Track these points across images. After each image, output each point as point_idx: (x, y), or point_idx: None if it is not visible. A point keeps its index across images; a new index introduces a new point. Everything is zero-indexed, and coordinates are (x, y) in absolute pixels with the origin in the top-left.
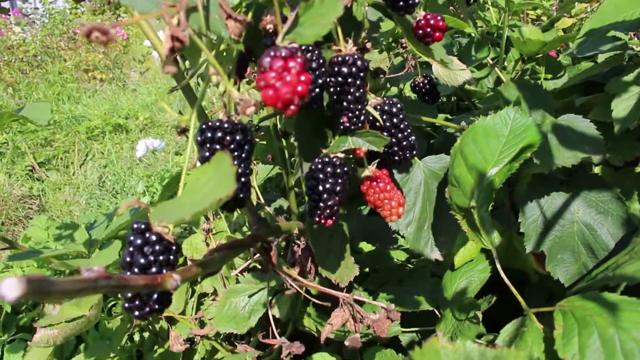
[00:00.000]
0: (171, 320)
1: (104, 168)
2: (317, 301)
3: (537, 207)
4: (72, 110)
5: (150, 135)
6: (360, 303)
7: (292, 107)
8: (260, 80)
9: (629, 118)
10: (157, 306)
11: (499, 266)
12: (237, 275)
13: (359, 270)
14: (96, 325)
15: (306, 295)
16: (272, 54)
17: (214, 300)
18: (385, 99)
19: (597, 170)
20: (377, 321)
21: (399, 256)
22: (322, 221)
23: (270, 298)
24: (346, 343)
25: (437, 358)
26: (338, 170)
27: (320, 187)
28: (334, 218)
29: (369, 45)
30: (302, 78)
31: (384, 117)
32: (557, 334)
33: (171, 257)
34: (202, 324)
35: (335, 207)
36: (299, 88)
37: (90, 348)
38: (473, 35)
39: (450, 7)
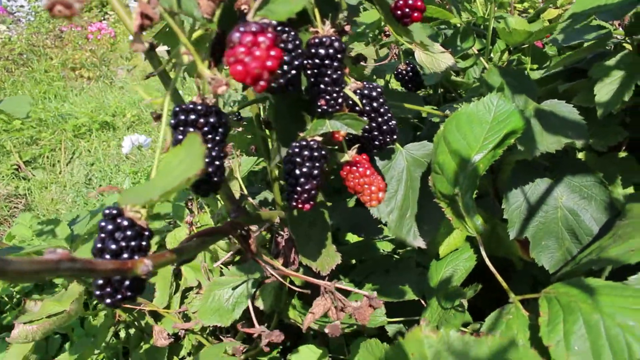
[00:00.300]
0: (156, 315)
1: (91, 166)
2: (302, 290)
3: (521, 194)
4: (58, 108)
5: (138, 132)
6: (343, 291)
7: (262, 83)
8: (229, 55)
9: (612, 102)
10: (129, 293)
11: (484, 253)
12: (221, 267)
13: (345, 261)
14: (82, 323)
15: (290, 287)
16: (241, 29)
17: (197, 293)
18: (365, 82)
19: (581, 155)
20: (358, 309)
21: (385, 247)
22: (300, 205)
23: (254, 290)
24: (326, 331)
25: (421, 347)
26: (315, 154)
27: (297, 171)
28: (311, 202)
29: (347, 27)
30: (272, 53)
31: (364, 101)
32: (542, 320)
33: (143, 243)
34: (187, 319)
35: (313, 192)
36: (269, 63)
37: (75, 346)
38: (459, 25)
39: None
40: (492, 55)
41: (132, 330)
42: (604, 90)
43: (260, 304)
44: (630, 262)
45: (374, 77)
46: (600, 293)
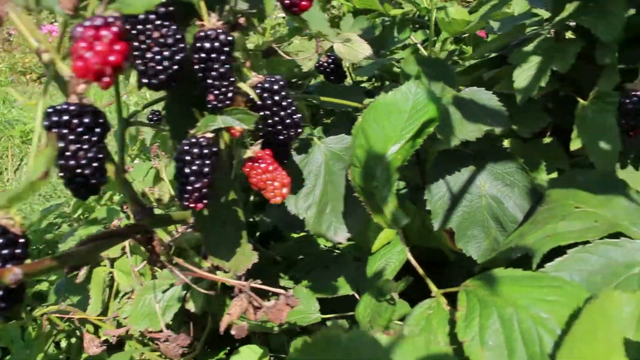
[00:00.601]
0: (87, 323)
1: None
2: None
3: (444, 184)
4: (5, 114)
5: None
6: (259, 291)
7: (105, 79)
8: (71, 51)
9: (530, 87)
10: (3, 304)
11: (405, 247)
12: (154, 271)
13: (289, 258)
14: (22, 334)
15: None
16: (85, 23)
17: (129, 298)
18: (267, 76)
19: (506, 143)
20: (271, 308)
21: (326, 242)
22: (192, 205)
23: (185, 292)
24: (232, 332)
25: (332, 349)
26: (205, 151)
27: (187, 170)
28: (204, 201)
29: (242, 20)
30: (116, 47)
31: (265, 94)
32: (460, 315)
33: (17, 251)
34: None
35: (204, 190)
36: (111, 58)
37: (11, 358)
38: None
39: None
40: (436, 45)
41: (73, 340)
42: (522, 77)
43: (191, 306)
44: (544, 249)
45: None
46: (515, 284)
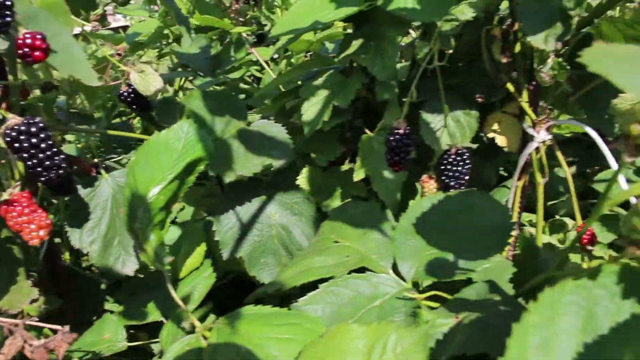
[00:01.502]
0: None
1: None
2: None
3: (234, 214)
4: None
5: None
6: (35, 327)
7: None
8: None
9: (315, 121)
10: None
11: (169, 286)
12: None
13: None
14: None
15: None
16: None
17: None
18: (26, 118)
19: (304, 171)
20: (39, 347)
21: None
22: None
23: None
24: None
25: None
26: None
27: None
28: None
29: None
30: None
31: (22, 137)
32: (205, 354)
33: None
34: None
35: None
36: None
37: None
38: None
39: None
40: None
41: None
42: (310, 110)
43: None
44: (294, 284)
45: None
46: (257, 322)
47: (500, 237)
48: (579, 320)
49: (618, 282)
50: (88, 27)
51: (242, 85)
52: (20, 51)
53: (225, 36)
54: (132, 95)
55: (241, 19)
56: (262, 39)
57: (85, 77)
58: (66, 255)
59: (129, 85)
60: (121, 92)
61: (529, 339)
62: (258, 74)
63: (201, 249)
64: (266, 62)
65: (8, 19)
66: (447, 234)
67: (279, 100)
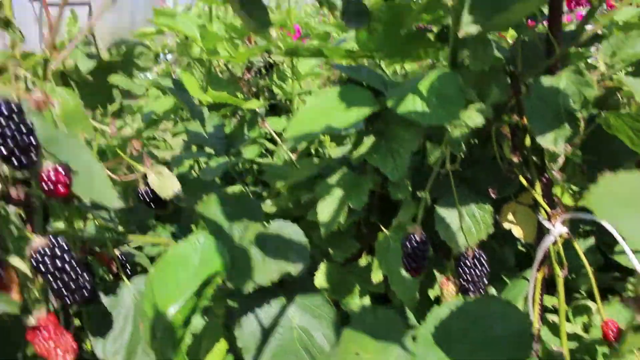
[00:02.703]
0: None
1: None
2: None
3: (254, 317)
4: None
5: None
6: None
7: None
8: None
9: (331, 222)
10: None
11: None
12: None
13: None
14: None
15: None
16: None
17: None
18: (49, 239)
19: (322, 266)
20: None
21: None
22: None
23: None
24: None
25: None
26: None
27: None
28: None
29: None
30: None
31: (45, 259)
32: None
33: None
34: None
35: None
36: None
37: None
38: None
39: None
40: None
41: None
42: (326, 210)
43: None
44: None
45: None
46: None
47: (520, 347)
48: None
49: None
50: (108, 130)
51: (256, 159)
52: (45, 187)
53: (237, 110)
54: (151, 195)
55: (253, 88)
56: (274, 109)
57: (107, 200)
58: None
59: (147, 184)
60: (140, 192)
61: None
62: (271, 146)
63: (222, 346)
64: (278, 135)
65: (34, 157)
66: (466, 344)
67: (294, 192)
